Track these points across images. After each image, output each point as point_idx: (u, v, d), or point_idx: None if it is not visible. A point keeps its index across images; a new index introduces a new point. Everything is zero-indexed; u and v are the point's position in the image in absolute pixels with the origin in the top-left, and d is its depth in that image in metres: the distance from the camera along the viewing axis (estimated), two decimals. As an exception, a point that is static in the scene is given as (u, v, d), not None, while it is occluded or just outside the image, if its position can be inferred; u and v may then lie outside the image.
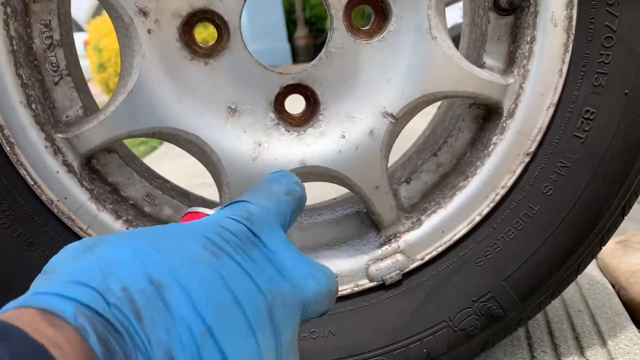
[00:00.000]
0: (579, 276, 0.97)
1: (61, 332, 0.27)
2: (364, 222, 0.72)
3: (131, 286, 0.30)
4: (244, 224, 0.37)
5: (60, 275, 0.31)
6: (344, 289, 0.68)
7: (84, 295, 0.29)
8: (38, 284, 0.32)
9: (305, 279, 0.39)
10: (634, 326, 0.82)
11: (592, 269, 1.01)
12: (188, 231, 0.36)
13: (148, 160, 2.95)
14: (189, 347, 0.30)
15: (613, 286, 0.94)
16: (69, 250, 0.34)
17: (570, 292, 0.92)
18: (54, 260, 0.33)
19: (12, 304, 0.28)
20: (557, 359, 0.76)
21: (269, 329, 0.34)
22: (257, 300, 0.34)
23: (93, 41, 6.07)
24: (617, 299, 0.90)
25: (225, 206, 0.41)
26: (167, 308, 0.30)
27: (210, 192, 0.77)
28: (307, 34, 7.93)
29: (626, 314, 0.85)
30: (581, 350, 0.77)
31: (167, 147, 3.14)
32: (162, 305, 0.30)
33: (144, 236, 0.34)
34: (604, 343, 0.77)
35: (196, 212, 0.45)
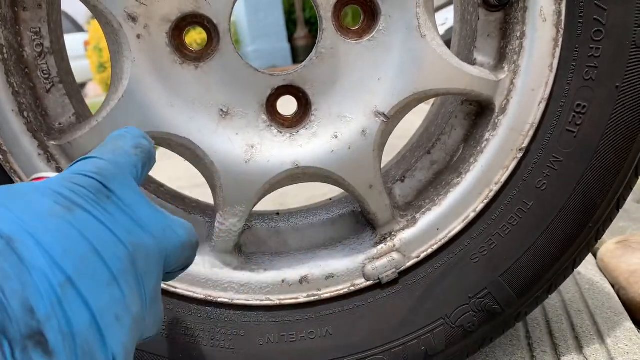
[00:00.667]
0: (578, 276, 0.97)
1: None
2: (360, 222, 0.72)
3: None
4: (95, 179, 0.37)
5: None
6: (341, 288, 0.68)
7: None
8: None
9: (163, 231, 0.38)
10: (633, 326, 0.82)
11: (591, 269, 1.01)
12: (38, 188, 0.35)
13: (146, 162, 2.93)
14: (48, 297, 0.29)
15: (613, 286, 0.94)
16: None
17: (570, 292, 0.92)
18: None
19: None
20: (557, 359, 0.75)
21: (132, 278, 0.34)
22: (118, 250, 0.34)
23: (93, 41, 6.06)
24: (616, 299, 0.90)
25: (72, 164, 0.40)
26: (21, 261, 0.29)
27: (211, 193, 0.76)
28: (307, 34, 7.92)
29: (626, 313, 0.85)
30: (581, 350, 0.77)
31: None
32: (15, 258, 0.29)
33: None
34: (603, 343, 0.77)
35: (42, 177, 0.44)
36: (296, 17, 8.02)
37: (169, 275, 0.43)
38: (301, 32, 7.93)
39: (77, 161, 0.39)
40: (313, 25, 8.19)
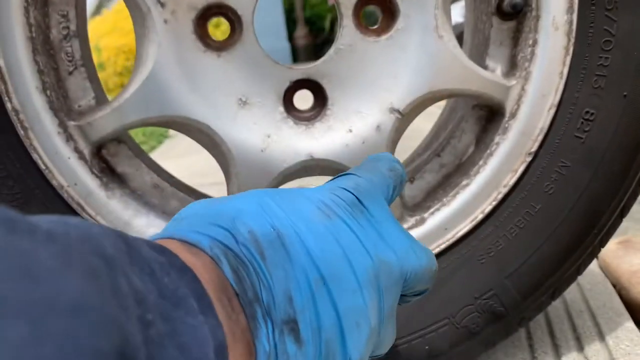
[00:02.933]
0: (580, 277, 0.98)
1: (198, 258, 0.30)
2: (368, 220, 0.73)
3: (257, 230, 0.33)
4: (352, 193, 0.40)
5: (194, 218, 0.34)
6: (348, 284, 0.68)
7: (217, 233, 0.32)
8: (172, 225, 0.35)
9: (407, 252, 0.40)
10: (635, 326, 0.82)
11: (593, 269, 1.01)
12: (305, 194, 0.39)
13: (148, 160, 2.94)
14: (304, 291, 0.32)
15: (614, 286, 0.95)
16: (199, 203, 0.37)
17: (571, 292, 0.92)
18: (185, 210, 0.37)
19: (156, 235, 0.32)
20: (558, 360, 0.76)
21: (374, 291, 0.36)
22: (365, 261, 0.36)
23: (92, 41, 6.10)
24: (618, 300, 0.90)
25: (333, 178, 0.44)
26: (287, 253, 0.33)
27: (212, 192, 0.77)
28: (307, 33, 7.94)
29: (627, 314, 0.86)
30: (582, 350, 0.77)
31: (167, 147, 3.13)
32: (283, 250, 0.33)
33: (267, 194, 0.38)
34: (604, 343, 0.78)
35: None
36: (296, 16, 8.06)
37: (403, 297, 0.44)
38: (301, 31, 7.95)
39: (339, 176, 0.44)
40: (313, 25, 8.23)
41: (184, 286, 0.27)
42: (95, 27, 6.04)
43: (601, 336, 0.80)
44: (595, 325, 0.82)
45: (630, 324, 0.82)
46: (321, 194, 0.39)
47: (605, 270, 1.00)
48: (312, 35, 8.04)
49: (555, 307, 0.88)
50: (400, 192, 0.48)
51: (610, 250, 1.01)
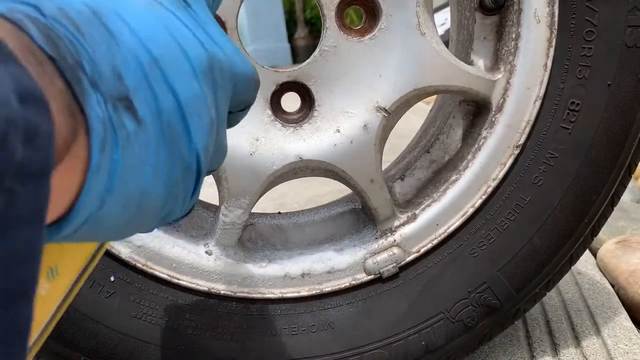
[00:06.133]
0: (578, 276, 0.98)
1: None
2: (360, 219, 0.73)
3: (67, 7, 0.27)
4: None
5: None
6: (342, 283, 0.69)
7: (17, 7, 0.25)
8: None
9: (234, 54, 0.38)
10: (633, 326, 0.82)
11: (591, 268, 1.02)
12: None
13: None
14: (135, 70, 0.28)
15: (612, 286, 0.95)
16: None
17: (569, 292, 0.93)
18: None
19: None
20: (557, 359, 0.76)
21: (210, 82, 0.33)
22: (198, 50, 0.33)
23: None
24: (616, 299, 0.90)
25: None
26: (109, 32, 0.28)
27: (212, 192, 0.78)
28: (308, 34, 7.93)
29: (625, 313, 0.86)
30: (580, 349, 0.77)
31: None
32: (103, 29, 0.28)
33: None
34: (603, 343, 0.78)
35: None
36: (296, 17, 8.05)
37: (231, 115, 0.42)
38: (301, 32, 7.94)
39: None
40: (313, 26, 8.21)
41: None
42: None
43: (599, 335, 0.80)
44: (594, 325, 0.83)
45: (628, 323, 0.82)
46: None
47: (604, 269, 1.01)
48: (312, 36, 8.04)
49: (554, 307, 0.88)
50: (219, 3, 0.44)
51: (609, 249, 1.02)
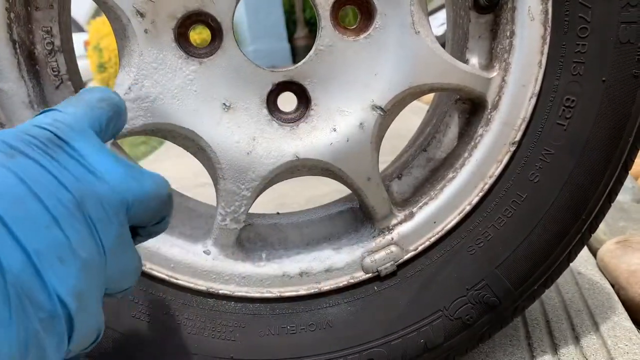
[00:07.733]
0: (578, 276, 0.98)
1: None
2: (358, 218, 0.74)
3: None
4: (48, 129, 0.38)
5: None
6: (340, 281, 0.69)
7: None
8: None
9: (124, 180, 0.39)
10: (633, 326, 0.82)
11: (591, 269, 1.02)
12: None
13: (149, 160, 2.96)
14: None
15: (612, 286, 0.95)
16: None
17: (569, 292, 0.93)
18: None
19: None
20: (557, 359, 0.76)
21: (80, 223, 0.34)
22: (60, 194, 0.34)
23: (93, 41, 6.15)
24: (616, 299, 0.90)
25: (35, 116, 0.41)
26: None
27: (212, 192, 0.78)
28: (307, 35, 7.90)
29: (626, 314, 0.86)
30: (581, 349, 0.77)
31: (168, 147, 3.11)
32: None
33: None
34: (603, 343, 0.78)
35: None
36: (296, 17, 8.03)
37: (144, 230, 0.43)
38: (301, 32, 7.92)
39: (39, 113, 0.41)
40: (313, 26, 8.17)
41: None
42: (96, 28, 6.09)
43: (599, 335, 0.80)
44: (594, 325, 0.82)
45: (628, 324, 0.82)
46: (8, 135, 0.36)
47: (604, 269, 1.00)
48: (312, 37, 8.02)
49: (554, 307, 0.88)
50: (122, 124, 0.45)
51: (609, 250, 1.02)
